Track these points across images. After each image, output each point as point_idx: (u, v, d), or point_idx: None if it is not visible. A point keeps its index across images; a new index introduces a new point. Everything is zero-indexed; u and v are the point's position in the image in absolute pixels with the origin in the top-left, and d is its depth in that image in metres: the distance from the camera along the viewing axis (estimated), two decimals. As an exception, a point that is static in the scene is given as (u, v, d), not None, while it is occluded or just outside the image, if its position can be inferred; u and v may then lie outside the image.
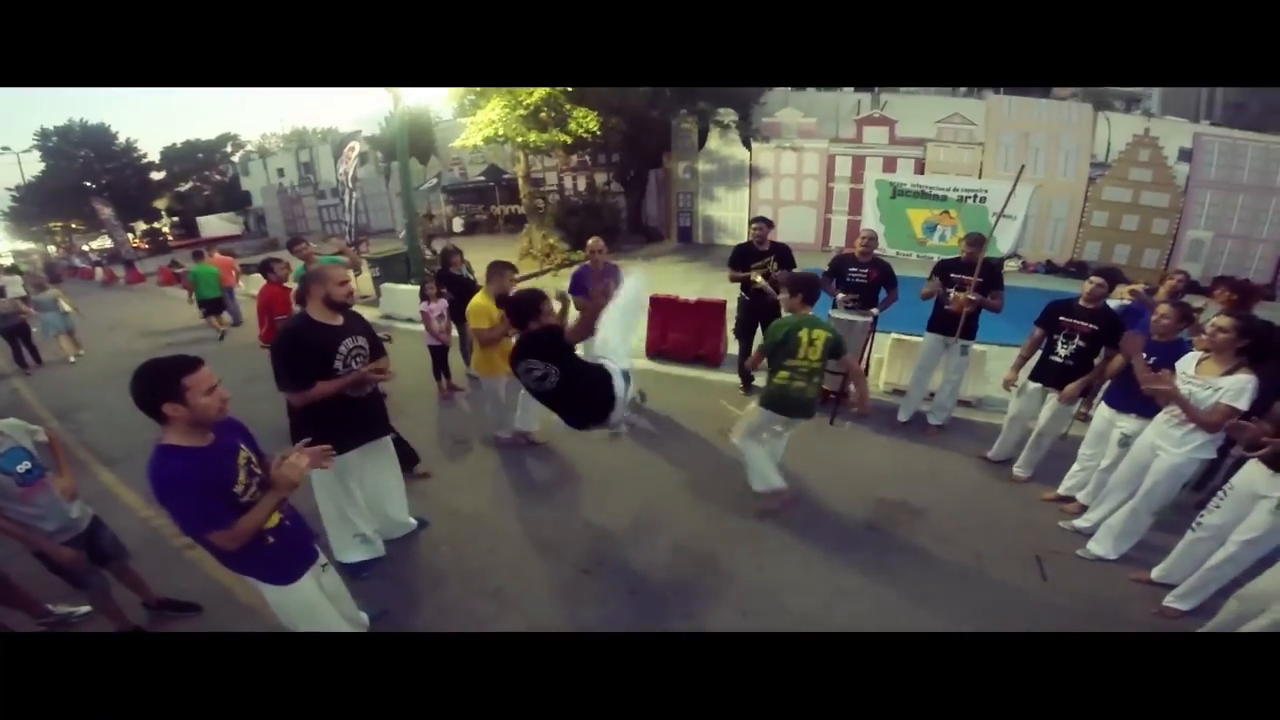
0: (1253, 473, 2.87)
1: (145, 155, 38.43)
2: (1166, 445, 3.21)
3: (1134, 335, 3.38)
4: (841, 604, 3.28)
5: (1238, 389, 2.87)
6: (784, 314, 3.89)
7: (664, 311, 7.08)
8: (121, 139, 36.61)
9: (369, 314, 4.13)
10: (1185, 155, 13.60)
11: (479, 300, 4.41)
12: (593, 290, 5.13)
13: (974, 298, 4.61)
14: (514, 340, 3.39)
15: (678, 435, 5.24)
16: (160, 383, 1.95)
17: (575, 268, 5.64)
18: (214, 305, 9.90)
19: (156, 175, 39.65)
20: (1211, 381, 2.98)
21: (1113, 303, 4.31)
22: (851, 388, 3.92)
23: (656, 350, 7.13)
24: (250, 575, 2.34)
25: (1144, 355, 3.30)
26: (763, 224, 5.43)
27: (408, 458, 4.50)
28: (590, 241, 5.30)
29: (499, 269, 4.45)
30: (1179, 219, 13.70)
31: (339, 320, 3.06)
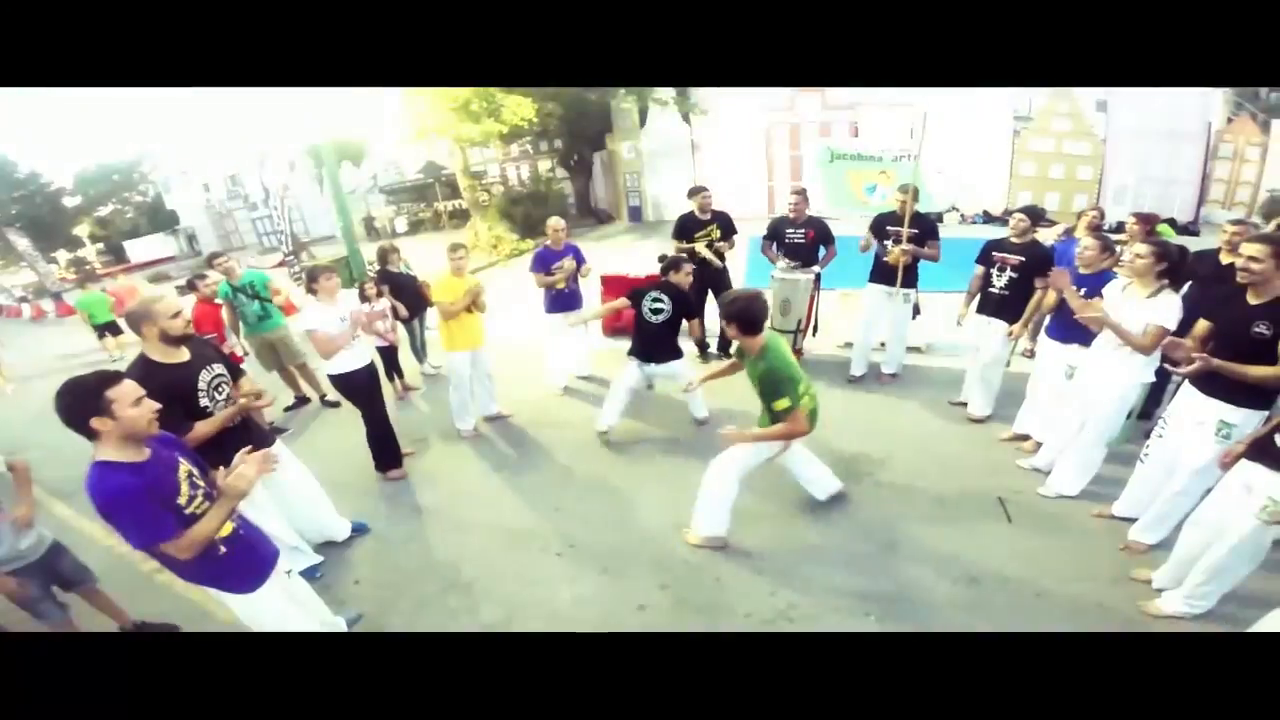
0: (1186, 399, 2.95)
1: (53, 182, 36.19)
2: (1106, 372, 3.31)
3: (1057, 270, 3.50)
4: (813, 560, 3.34)
5: (1163, 309, 2.99)
6: (750, 356, 3.12)
7: (616, 290, 7.03)
8: (24, 169, 34.32)
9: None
10: (1101, 106, 14.21)
11: (443, 276, 4.66)
12: (554, 266, 5.14)
13: (909, 248, 4.71)
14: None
15: (639, 409, 5.23)
16: (84, 397, 1.94)
17: (528, 254, 5.61)
18: (110, 328, 10.16)
19: (71, 201, 37.38)
20: (1139, 304, 3.10)
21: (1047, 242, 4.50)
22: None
23: (612, 329, 7.15)
24: (211, 586, 2.32)
25: (1074, 287, 3.41)
26: (704, 192, 5.44)
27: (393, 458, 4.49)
28: (550, 221, 5.38)
29: (449, 250, 4.71)
30: (1102, 165, 14.31)
31: (184, 356, 2.81)
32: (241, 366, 3.28)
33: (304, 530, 3.64)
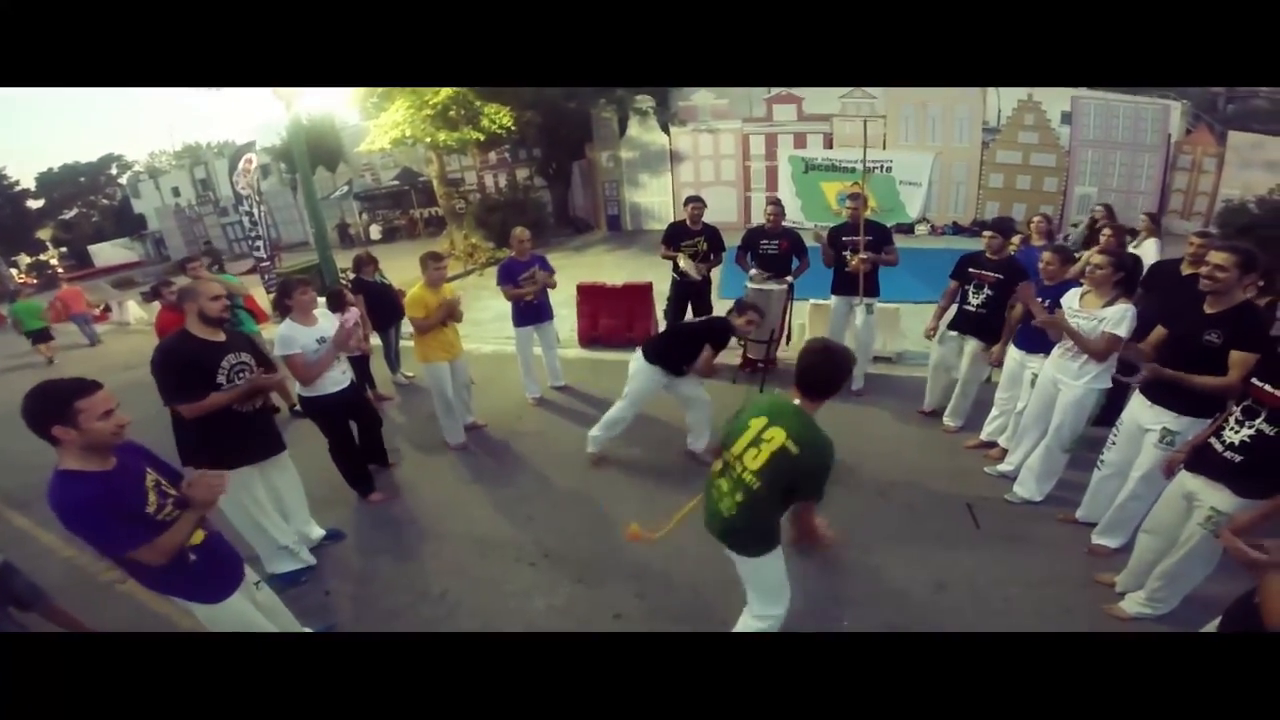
0: (1135, 407, 3.04)
1: (17, 182, 35.19)
2: (1065, 378, 3.40)
3: (1024, 284, 3.61)
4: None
5: (1118, 317, 3.08)
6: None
7: (593, 299, 7.08)
8: (-15, 166, 33.42)
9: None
10: (1066, 118, 14.68)
11: (416, 291, 4.50)
12: (522, 278, 5.10)
13: (867, 256, 4.80)
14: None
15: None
16: (50, 405, 1.89)
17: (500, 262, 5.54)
18: (41, 335, 10.43)
19: (34, 203, 36.36)
20: (1095, 313, 3.19)
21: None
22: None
23: (589, 339, 7.13)
24: (177, 596, 2.29)
25: (1038, 299, 3.51)
26: (697, 203, 5.46)
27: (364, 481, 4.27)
28: (515, 231, 5.26)
29: (424, 261, 4.57)
30: (1067, 176, 14.76)
31: (220, 337, 3.04)
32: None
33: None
